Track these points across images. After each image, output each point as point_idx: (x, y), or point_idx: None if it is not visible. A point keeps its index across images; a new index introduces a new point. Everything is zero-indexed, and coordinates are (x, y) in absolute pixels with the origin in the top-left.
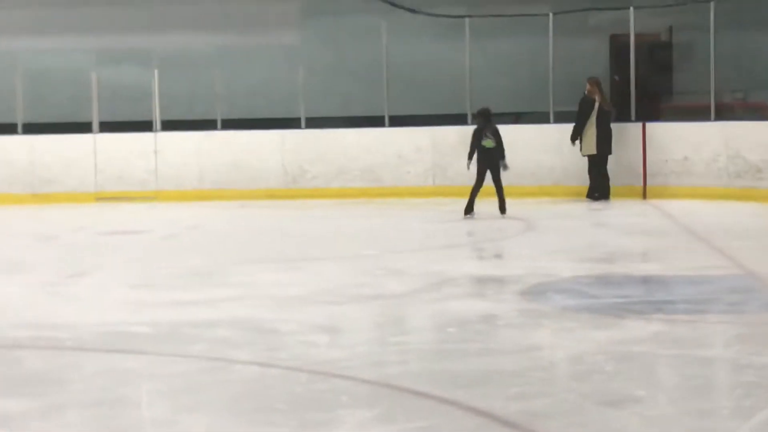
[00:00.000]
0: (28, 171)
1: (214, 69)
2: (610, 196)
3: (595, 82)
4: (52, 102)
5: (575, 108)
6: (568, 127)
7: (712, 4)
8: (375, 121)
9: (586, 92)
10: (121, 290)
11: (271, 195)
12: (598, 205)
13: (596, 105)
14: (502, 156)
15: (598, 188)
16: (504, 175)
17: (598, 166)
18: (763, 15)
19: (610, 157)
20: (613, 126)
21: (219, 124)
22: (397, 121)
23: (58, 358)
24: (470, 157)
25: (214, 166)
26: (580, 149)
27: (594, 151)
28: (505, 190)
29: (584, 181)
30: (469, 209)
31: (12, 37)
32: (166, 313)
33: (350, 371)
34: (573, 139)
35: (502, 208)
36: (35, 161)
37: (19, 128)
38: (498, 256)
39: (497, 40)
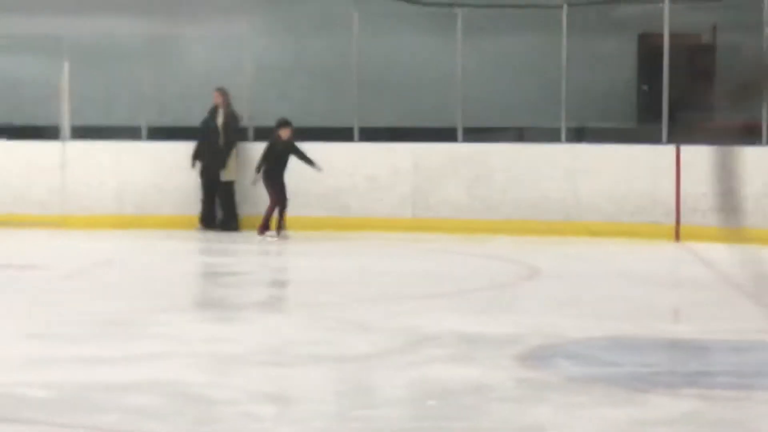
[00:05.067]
0: None
1: (140, 64)
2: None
3: (225, 92)
4: None
5: (593, 124)
6: (584, 148)
7: None
8: (341, 135)
9: (221, 106)
10: (13, 342)
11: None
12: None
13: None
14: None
15: (232, 219)
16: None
17: (232, 192)
18: None
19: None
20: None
21: (144, 133)
22: (370, 135)
23: None
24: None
25: (135, 185)
26: (219, 175)
27: (235, 177)
28: (502, 224)
29: (604, 215)
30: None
31: None
32: (69, 372)
33: None
34: (221, 165)
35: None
36: None
37: None
38: (492, 309)
39: (497, 37)
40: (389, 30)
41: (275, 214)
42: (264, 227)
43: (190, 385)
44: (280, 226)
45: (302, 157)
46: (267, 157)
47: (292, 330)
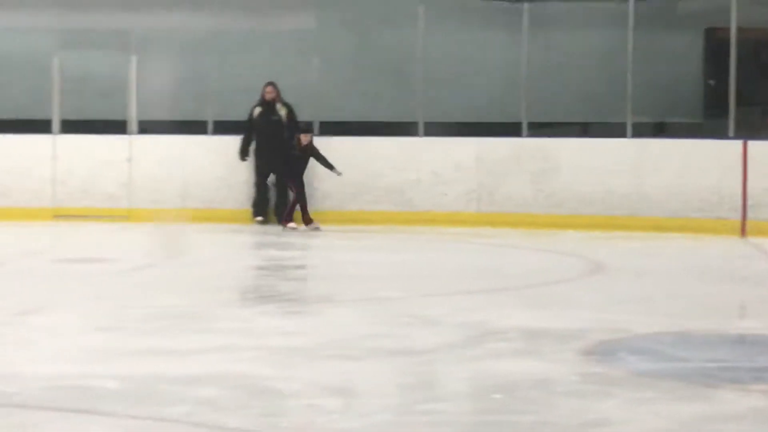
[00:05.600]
0: None
1: (207, 58)
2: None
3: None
4: (2, 94)
5: (659, 119)
6: (649, 143)
7: None
8: (405, 129)
9: (277, 100)
10: (82, 334)
11: (272, 218)
12: None
13: None
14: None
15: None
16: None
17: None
18: None
19: None
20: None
21: (210, 128)
22: (434, 129)
23: (2, 418)
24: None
25: (201, 179)
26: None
27: None
28: (568, 219)
29: (669, 211)
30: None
31: None
32: (138, 364)
33: None
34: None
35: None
36: None
37: None
38: (557, 303)
39: (563, 32)
40: (455, 24)
41: (298, 209)
42: (287, 219)
43: (258, 378)
44: (308, 220)
45: (322, 161)
46: (288, 160)
47: (358, 324)
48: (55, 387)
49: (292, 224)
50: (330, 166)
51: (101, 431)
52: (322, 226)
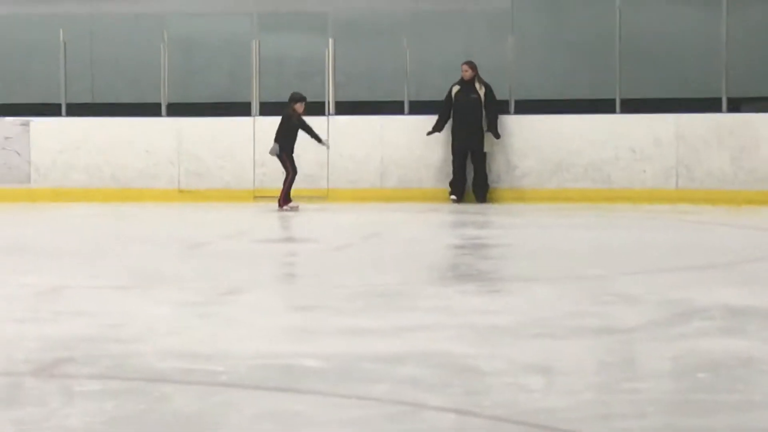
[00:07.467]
0: (173, 162)
1: (403, 39)
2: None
3: (475, 65)
4: (203, 78)
5: None
6: None
7: None
8: (603, 106)
9: (476, 79)
10: (285, 313)
11: (469, 197)
12: None
13: None
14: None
15: (485, 189)
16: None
17: (487, 163)
18: None
19: None
20: None
21: (407, 107)
22: (632, 105)
23: (211, 396)
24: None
25: (399, 159)
26: (483, 145)
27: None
28: (748, 195)
29: None
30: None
31: None
32: (340, 343)
33: (572, 424)
34: (495, 135)
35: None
36: (182, 150)
37: (163, 110)
38: (762, 281)
39: (763, 5)
40: (652, 0)
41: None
42: (286, 200)
43: (459, 357)
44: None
45: (310, 132)
46: (286, 131)
47: (558, 302)
48: (260, 366)
49: (293, 204)
50: (318, 139)
51: (305, 409)
52: (525, 205)
